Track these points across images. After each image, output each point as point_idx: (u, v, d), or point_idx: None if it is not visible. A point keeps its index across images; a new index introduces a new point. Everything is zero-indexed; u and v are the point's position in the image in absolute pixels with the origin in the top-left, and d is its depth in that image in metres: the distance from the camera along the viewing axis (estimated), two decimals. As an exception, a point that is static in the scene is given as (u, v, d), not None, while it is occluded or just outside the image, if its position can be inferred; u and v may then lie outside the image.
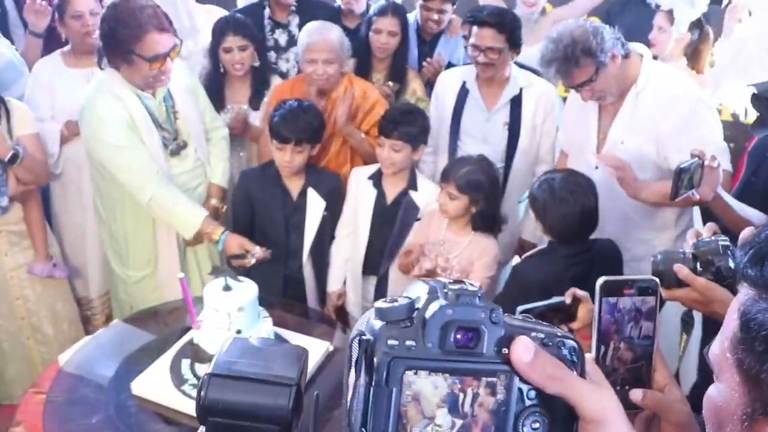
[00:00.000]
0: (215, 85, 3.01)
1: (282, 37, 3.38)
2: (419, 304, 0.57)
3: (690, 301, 1.48)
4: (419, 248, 2.53)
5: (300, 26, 3.27)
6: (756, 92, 1.87)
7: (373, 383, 0.55)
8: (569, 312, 1.66)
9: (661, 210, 2.52)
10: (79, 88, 2.77)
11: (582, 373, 0.61)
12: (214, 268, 2.01)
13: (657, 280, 0.97)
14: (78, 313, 3.06)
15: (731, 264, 1.42)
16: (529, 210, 2.41)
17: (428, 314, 0.56)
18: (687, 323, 2.23)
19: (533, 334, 0.59)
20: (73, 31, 2.92)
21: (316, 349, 2.15)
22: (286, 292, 2.74)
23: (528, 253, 2.48)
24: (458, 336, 0.56)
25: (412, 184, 2.70)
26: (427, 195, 2.65)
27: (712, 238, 1.48)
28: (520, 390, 0.58)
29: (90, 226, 3.01)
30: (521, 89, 2.83)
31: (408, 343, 0.56)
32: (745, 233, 1.54)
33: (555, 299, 1.69)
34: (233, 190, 2.87)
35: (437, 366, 0.56)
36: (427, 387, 0.56)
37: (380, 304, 0.58)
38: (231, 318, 1.93)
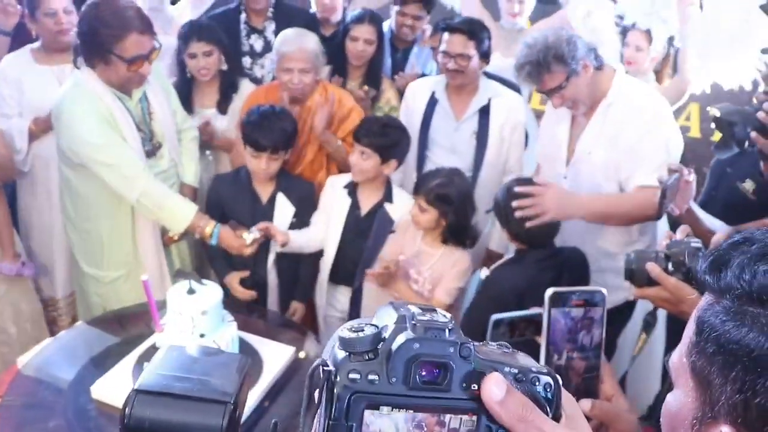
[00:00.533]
0: (183, 90, 2.97)
1: (258, 43, 3.38)
2: (387, 333, 0.55)
3: (660, 301, 1.50)
4: (395, 262, 2.52)
5: (276, 32, 3.26)
6: (718, 115, 1.92)
7: (332, 417, 0.53)
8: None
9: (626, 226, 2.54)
10: (49, 85, 2.74)
11: (557, 411, 0.58)
12: (178, 272, 1.98)
13: (604, 291, 0.98)
14: (42, 313, 3.00)
15: None
16: (496, 220, 2.42)
17: (394, 347, 0.54)
18: (649, 323, 2.24)
19: (506, 369, 0.56)
20: (46, 28, 2.88)
21: (282, 354, 2.14)
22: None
23: (498, 263, 2.49)
24: (424, 371, 0.54)
25: (388, 197, 2.70)
26: (402, 207, 2.64)
27: (685, 239, 1.51)
28: (488, 427, 0.55)
29: (58, 225, 2.95)
30: (490, 99, 2.85)
31: (371, 377, 0.53)
32: (717, 237, 1.57)
33: (531, 311, 1.69)
34: (206, 193, 2.84)
35: (401, 402, 0.54)
36: (387, 427, 0.54)
37: (344, 332, 0.55)
38: (194, 322, 1.90)
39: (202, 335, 1.92)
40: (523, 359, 0.60)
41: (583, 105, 2.40)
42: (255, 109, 2.66)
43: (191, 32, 2.97)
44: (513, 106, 2.89)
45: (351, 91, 3.11)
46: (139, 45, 2.31)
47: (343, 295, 2.81)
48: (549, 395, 0.58)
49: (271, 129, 2.57)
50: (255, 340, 2.18)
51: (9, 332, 2.80)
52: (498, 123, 2.85)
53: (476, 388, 0.55)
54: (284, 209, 2.70)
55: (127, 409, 0.62)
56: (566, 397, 0.61)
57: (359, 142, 2.59)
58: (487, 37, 2.77)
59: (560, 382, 0.59)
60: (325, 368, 0.54)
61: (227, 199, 2.72)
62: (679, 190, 1.99)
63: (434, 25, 3.38)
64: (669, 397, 0.72)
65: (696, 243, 1.49)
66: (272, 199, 2.71)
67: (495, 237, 2.85)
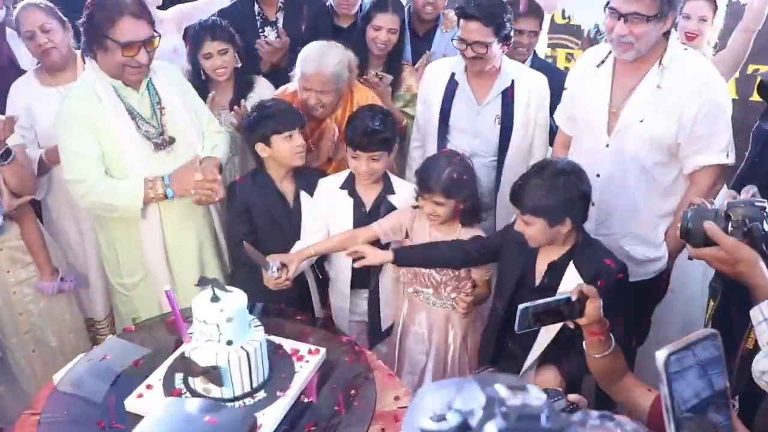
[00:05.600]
0: (198, 92, 2.91)
1: (272, 35, 3.32)
2: (473, 421, 0.49)
3: (716, 261, 1.42)
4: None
5: (284, 24, 3.21)
6: (763, 80, 1.77)
7: None
8: (575, 308, 1.60)
9: (665, 198, 2.43)
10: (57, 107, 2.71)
11: None
12: (200, 279, 1.94)
13: (716, 332, 0.87)
14: (84, 323, 3.05)
15: (766, 227, 1.38)
16: None
17: None
18: (715, 289, 2.16)
19: None
20: (32, 50, 2.86)
21: (314, 356, 2.10)
22: (290, 299, 2.62)
23: None
24: None
25: (389, 188, 2.60)
26: (405, 196, 2.55)
27: (749, 199, 1.44)
28: None
29: (89, 242, 2.98)
30: (513, 81, 2.73)
31: None
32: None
33: (560, 296, 1.63)
34: (228, 202, 2.72)
35: None
36: None
37: (425, 422, 0.49)
38: (220, 329, 1.87)
39: (229, 342, 1.89)
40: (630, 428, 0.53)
41: (636, 52, 2.24)
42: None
43: (203, 32, 2.93)
44: (538, 85, 2.76)
45: (366, 80, 3.02)
46: (134, 30, 2.30)
47: (362, 299, 2.73)
48: None
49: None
50: (285, 343, 2.14)
51: (51, 346, 2.84)
52: (523, 105, 2.72)
53: None
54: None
55: None
56: None
57: (367, 150, 2.47)
58: (507, 20, 2.62)
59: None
60: None
61: (255, 204, 2.65)
62: None
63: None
64: None
65: (761, 202, 1.41)
66: (297, 199, 2.66)
67: None
